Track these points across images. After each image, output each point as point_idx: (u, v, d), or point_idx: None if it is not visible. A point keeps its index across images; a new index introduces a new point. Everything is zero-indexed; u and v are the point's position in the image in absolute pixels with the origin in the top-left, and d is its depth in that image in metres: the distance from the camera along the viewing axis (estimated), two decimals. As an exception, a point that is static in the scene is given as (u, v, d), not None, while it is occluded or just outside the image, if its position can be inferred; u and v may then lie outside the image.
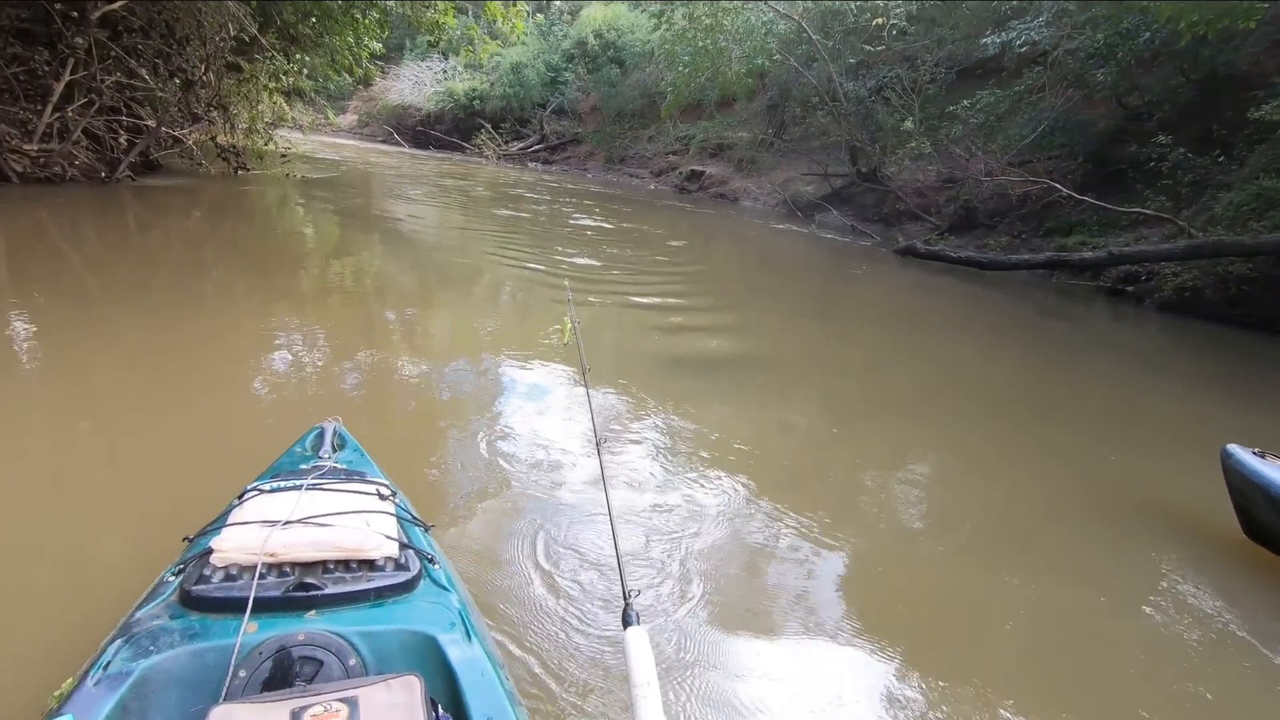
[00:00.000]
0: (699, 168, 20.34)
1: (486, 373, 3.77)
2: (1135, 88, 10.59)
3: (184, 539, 1.41)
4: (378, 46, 14.11)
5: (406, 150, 26.34)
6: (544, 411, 3.32)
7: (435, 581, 1.36)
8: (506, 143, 26.63)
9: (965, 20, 12.66)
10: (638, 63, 24.11)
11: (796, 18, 13.98)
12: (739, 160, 19.58)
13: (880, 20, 12.61)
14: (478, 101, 27.60)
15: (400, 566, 1.33)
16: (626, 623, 1.16)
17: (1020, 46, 10.58)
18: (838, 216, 14.87)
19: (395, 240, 7.71)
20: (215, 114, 9.44)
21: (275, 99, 11.82)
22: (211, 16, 7.75)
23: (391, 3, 12.60)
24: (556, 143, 26.47)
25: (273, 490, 1.45)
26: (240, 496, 1.47)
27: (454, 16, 13.48)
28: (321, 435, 1.87)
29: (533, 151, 26.19)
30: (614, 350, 4.46)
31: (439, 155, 25.54)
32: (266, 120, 11.56)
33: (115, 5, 6.96)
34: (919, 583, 2.42)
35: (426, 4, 12.67)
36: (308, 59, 12.29)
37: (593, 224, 10.99)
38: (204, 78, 8.28)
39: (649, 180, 21.93)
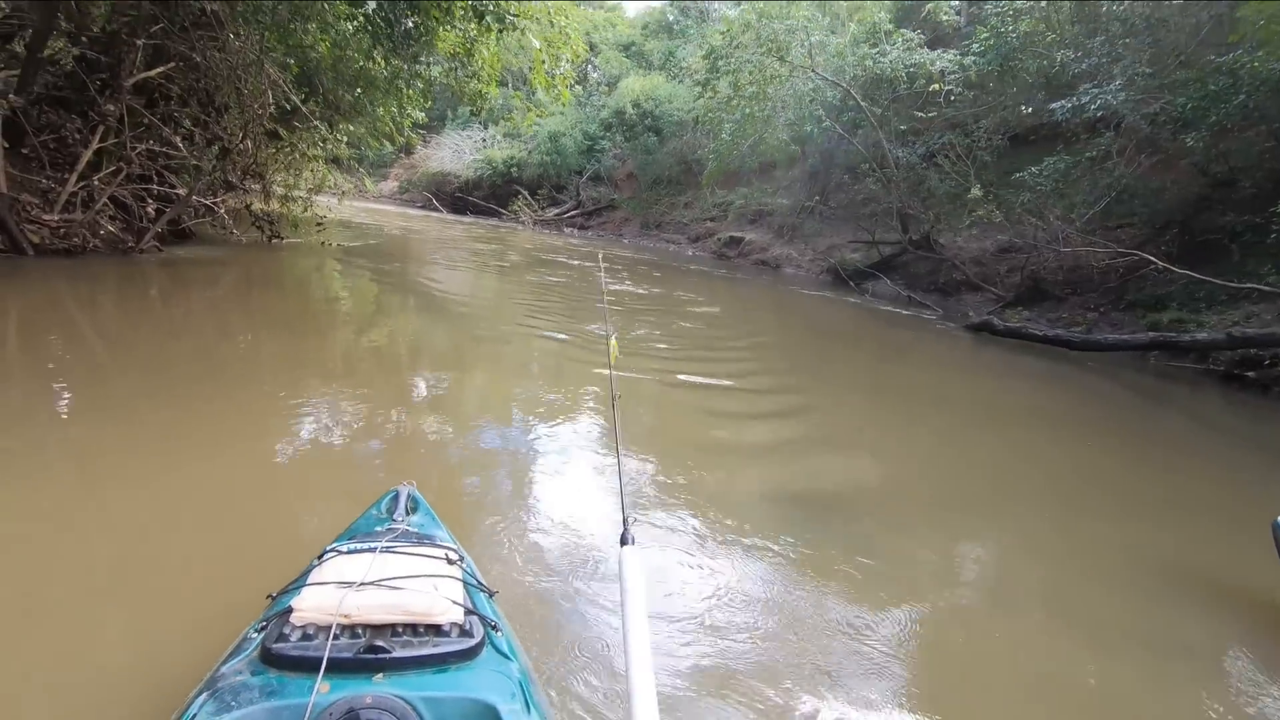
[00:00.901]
0: (738, 234, 19.89)
1: (539, 438, 3.79)
2: (1222, 153, 9.78)
3: (268, 596, 1.49)
4: (420, 115, 14.03)
5: (445, 216, 26.50)
6: (578, 482, 3.35)
7: (498, 649, 1.41)
8: (543, 208, 26.65)
9: (1022, 85, 12.05)
10: (675, 131, 24.10)
11: (844, 85, 13.53)
12: (779, 226, 19.06)
13: (937, 86, 12.03)
14: (515, 169, 27.84)
15: (465, 633, 1.39)
16: (624, 542, 1.36)
17: (1095, 110, 9.86)
18: (890, 285, 14.07)
19: (432, 308, 7.37)
20: (251, 181, 9.06)
21: (316, 166, 11.59)
22: (252, 84, 7.38)
23: (436, 73, 12.47)
24: (592, 208, 26.43)
25: (350, 551, 1.54)
26: (320, 557, 1.57)
27: (496, 87, 13.31)
28: (396, 498, 1.92)
29: (568, 217, 26.15)
30: (652, 427, 4.25)
31: (476, 221, 25.66)
32: (308, 187, 11.30)
33: (153, 73, 6.59)
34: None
35: (469, 76, 12.48)
36: (350, 128, 12.14)
37: (629, 290, 10.57)
38: (241, 145, 7.89)
39: (686, 246, 21.60)
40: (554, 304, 8.54)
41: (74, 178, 6.38)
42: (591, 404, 4.38)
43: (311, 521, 2.55)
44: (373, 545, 1.55)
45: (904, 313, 12.01)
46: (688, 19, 29.20)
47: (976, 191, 11.10)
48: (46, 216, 6.17)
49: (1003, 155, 13.10)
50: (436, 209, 28.78)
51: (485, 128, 30.10)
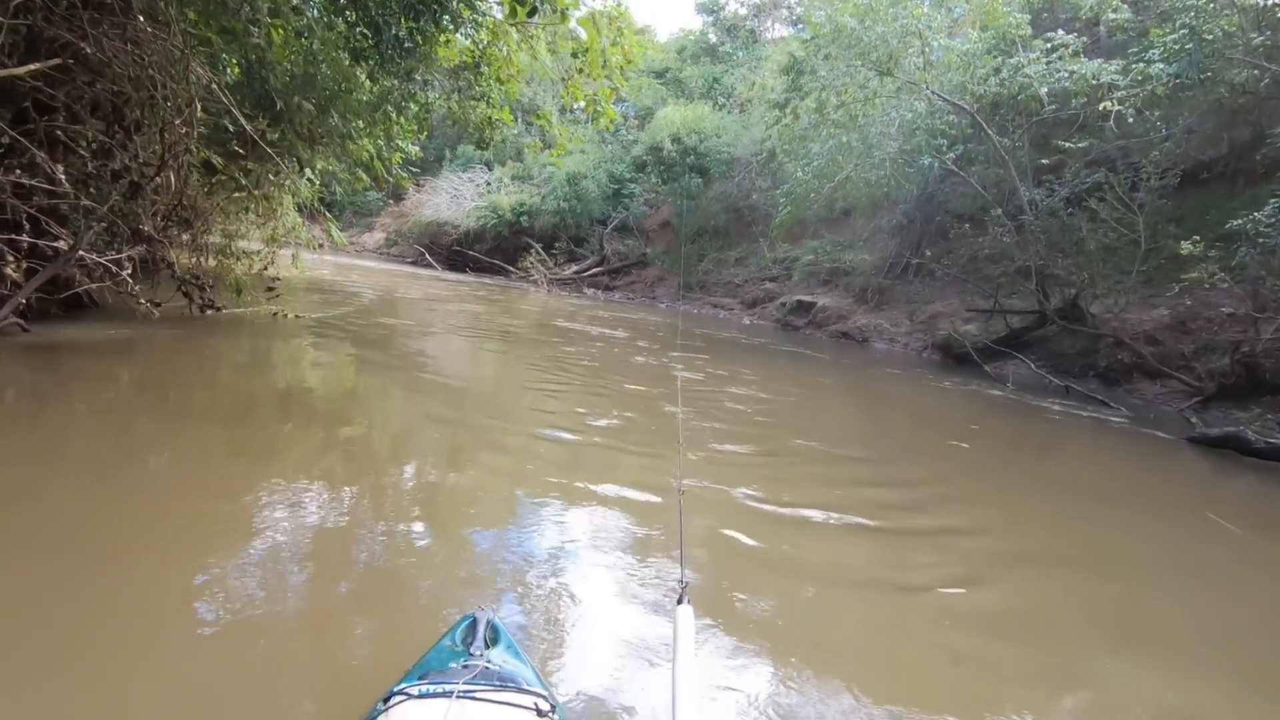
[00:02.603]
0: (807, 298, 18.83)
1: (596, 548, 3.68)
2: None
3: None
4: (414, 150, 12.96)
5: (442, 275, 25.72)
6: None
7: None
8: (559, 265, 26.01)
9: (1214, 105, 10.58)
10: (722, 171, 23.47)
11: (968, 107, 12.13)
12: (861, 289, 17.86)
13: (1107, 105, 10.55)
14: (525, 218, 27.30)
15: None
16: (679, 601, 1.62)
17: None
18: (1027, 368, 12.36)
19: (435, 399, 6.46)
20: (175, 230, 7.63)
21: (276, 210, 10.37)
22: (175, 91, 5.98)
23: (434, 96, 11.38)
24: (619, 265, 25.89)
25: (420, 695, 1.59)
26: (386, 700, 1.62)
27: (510, 114, 12.16)
28: (474, 627, 1.96)
29: (590, 275, 25.49)
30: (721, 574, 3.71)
31: (479, 281, 25.05)
32: (263, 237, 10.05)
33: (21, 71, 5.19)
34: None
35: (477, 98, 11.30)
36: (324, 164, 11.04)
37: (669, 369, 9.92)
38: (158, 179, 6.46)
39: (740, 312, 20.68)
40: (580, 387, 8.14)
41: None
42: (647, 505, 4.30)
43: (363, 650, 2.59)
44: (449, 688, 1.61)
45: (1056, 407, 10.31)
46: (734, 40, 28.74)
47: (1191, 246, 9.45)
48: None
49: (1165, 197, 11.67)
50: (431, 265, 28.16)
51: (490, 169, 29.85)
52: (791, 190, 15.67)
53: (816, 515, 4.52)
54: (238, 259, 9.32)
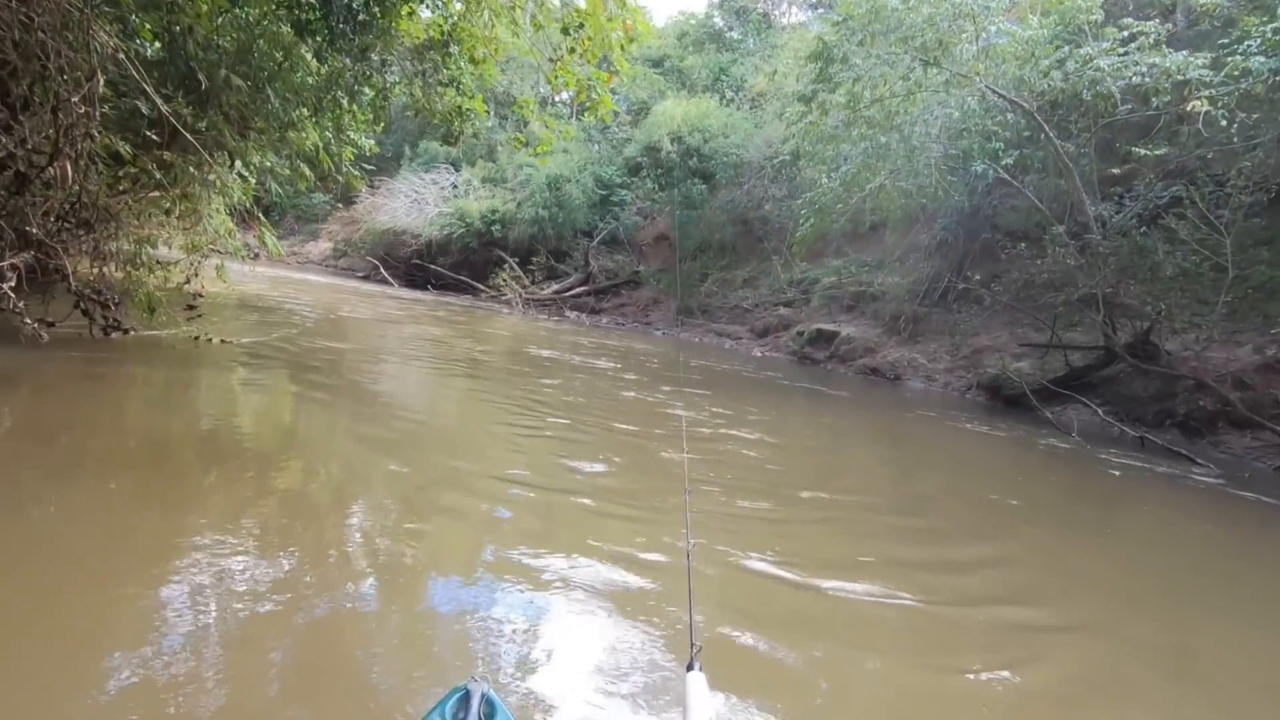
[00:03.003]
0: (829, 326, 18.91)
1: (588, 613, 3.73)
2: None
3: None
4: (368, 144, 12.85)
5: (399, 292, 25.61)
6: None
7: None
8: (536, 282, 26.12)
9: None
10: (731, 177, 23.53)
11: (1027, 105, 12.03)
12: (892, 318, 17.81)
13: (1197, 104, 10.43)
14: (498, 227, 27.38)
15: None
16: (690, 668, 1.74)
17: None
18: (1092, 414, 12.16)
19: (403, 450, 6.19)
20: (74, 233, 7.33)
21: (204, 212, 10.12)
22: (72, 59, 5.72)
23: (393, 80, 11.26)
24: (606, 284, 26.08)
25: None
26: None
27: (484, 103, 12.03)
28: (466, 700, 2.01)
29: (573, 295, 25.58)
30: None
31: (442, 300, 25.02)
32: (184, 244, 9.78)
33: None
34: None
35: (444, 83, 11.15)
36: (262, 158, 10.86)
37: (668, 407, 9.88)
38: (52, 171, 6.18)
39: (750, 342, 20.75)
40: (561, 427, 8.10)
41: None
42: (643, 565, 4.33)
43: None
44: None
45: (1125, 460, 10.04)
46: (744, 25, 28.95)
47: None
48: None
49: (1255, 215, 11.57)
50: (386, 281, 28.09)
51: (457, 169, 29.91)
52: (815, 200, 15.57)
53: (841, 582, 4.50)
54: (152, 270, 8.95)
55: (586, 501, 5.49)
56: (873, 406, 13.44)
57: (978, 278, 15.54)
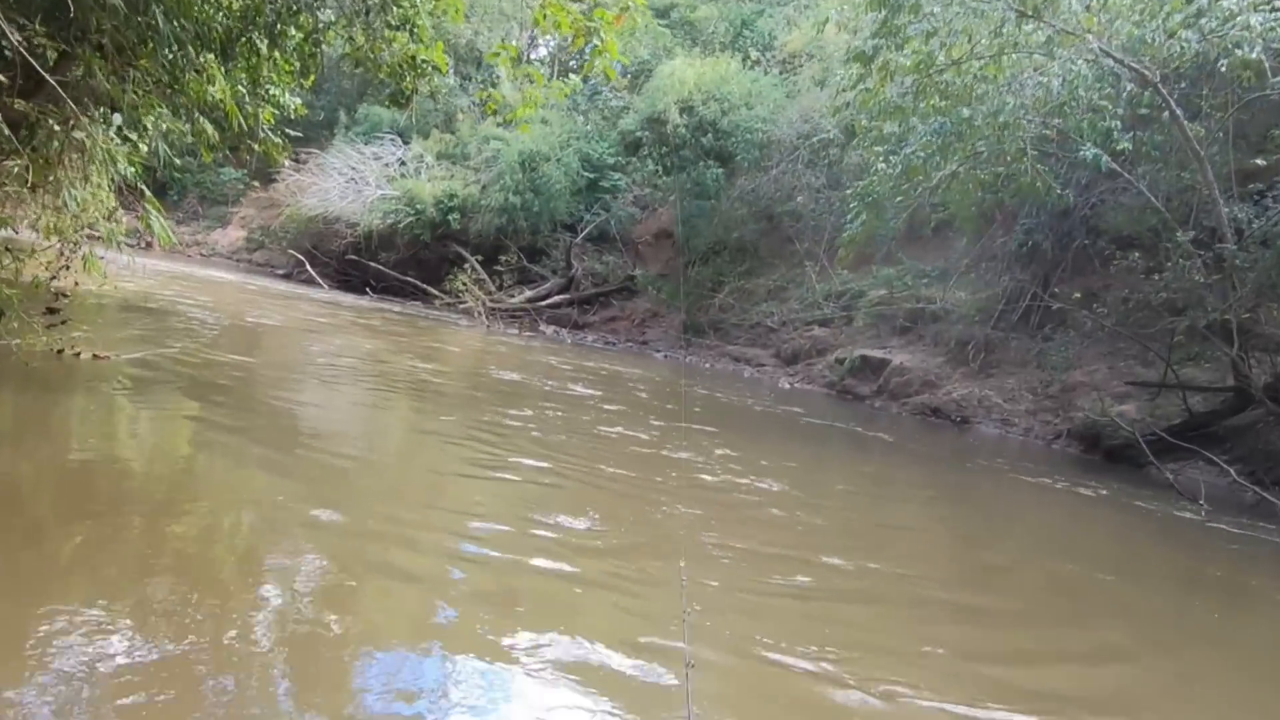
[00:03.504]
0: (877, 353, 19.01)
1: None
2: None
3: None
4: (293, 104, 12.79)
5: (328, 296, 25.59)
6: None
7: None
8: (505, 289, 26.13)
9: None
10: (756, 159, 23.61)
11: (1150, 74, 12.05)
12: (958, 344, 17.83)
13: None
14: (456, 216, 27.44)
15: None
16: None
17: None
18: (1224, 473, 12.13)
19: (312, 494, 6.20)
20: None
21: (77, 186, 10.11)
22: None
23: (327, 19, 11.25)
24: (593, 292, 26.28)
25: None
26: None
27: (443, 56, 12.06)
28: None
29: (552, 305, 25.74)
30: None
31: (384, 307, 24.96)
32: (55, 230, 9.76)
33: None
34: None
35: (392, 29, 11.18)
36: (150, 112, 10.76)
37: (667, 454, 9.88)
38: None
39: (775, 370, 20.89)
40: (530, 472, 8.13)
41: None
42: (627, 679, 4.14)
43: None
44: None
45: (1267, 538, 10.03)
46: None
47: None
48: None
49: None
50: (313, 281, 28.00)
51: (406, 141, 29.93)
52: (868, 190, 15.52)
53: (898, 684, 4.42)
54: (-1, 262, 8.99)
55: (561, 567, 5.46)
56: (932, 457, 13.48)
57: (1078, 296, 15.54)
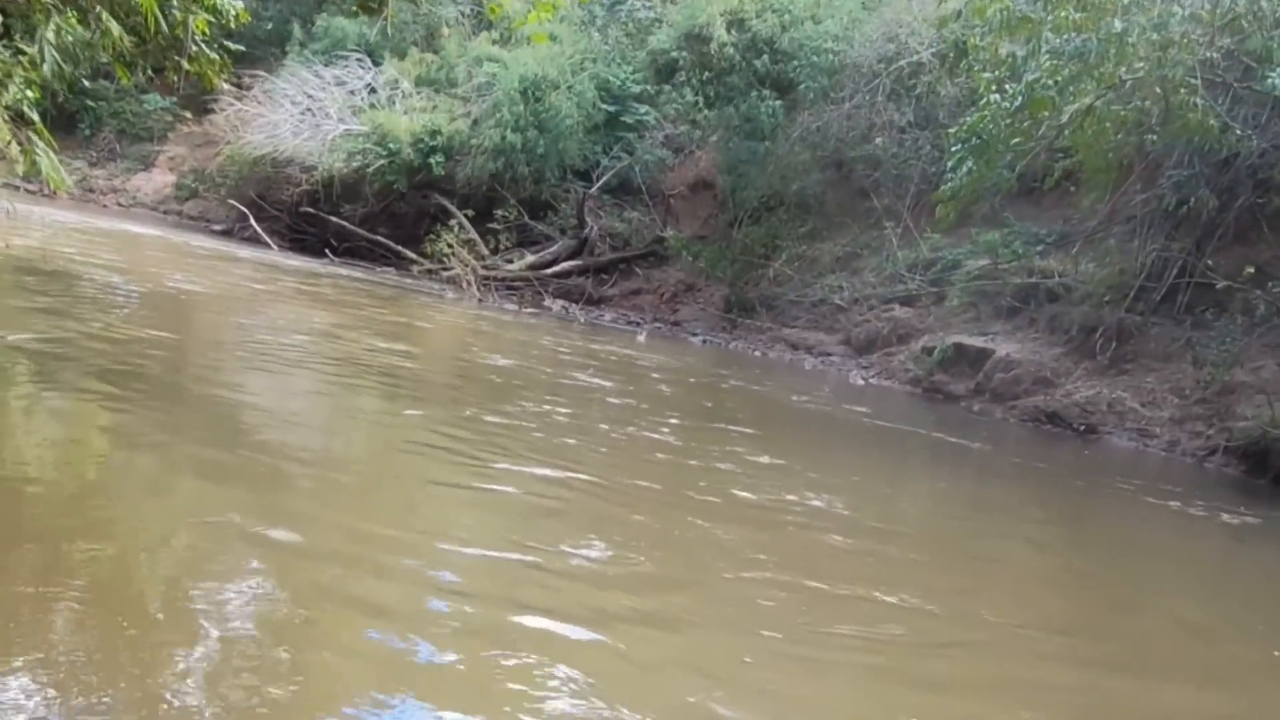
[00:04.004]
0: (975, 340, 18.80)
1: None
2: None
3: None
4: (233, 9, 12.80)
5: (276, 258, 25.76)
6: None
7: None
8: (500, 252, 26.13)
9: None
10: (822, 90, 23.52)
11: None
12: (1081, 330, 17.74)
13: None
14: (440, 159, 27.33)
15: None
16: None
17: None
18: None
19: (255, 507, 6.40)
20: None
21: None
22: None
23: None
24: (613, 257, 26.31)
25: None
26: None
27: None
28: None
29: (560, 274, 25.72)
30: None
31: (349, 275, 25.03)
32: None
33: None
34: None
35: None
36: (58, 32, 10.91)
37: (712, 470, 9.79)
38: None
39: (844, 359, 21.02)
40: (527, 484, 8.23)
41: None
42: None
43: None
44: None
45: None
46: None
47: None
48: None
49: None
50: (259, 239, 28.13)
51: (376, 62, 30.03)
52: (978, 129, 15.66)
53: None
54: None
55: (569, 603, 5.46)
56: (1045, 475, 13.39)
57: (1251, 270, 15.41)
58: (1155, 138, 15.63)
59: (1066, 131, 15.38)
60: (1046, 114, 14.61)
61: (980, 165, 15.80)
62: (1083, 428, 16.34)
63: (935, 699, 5.07)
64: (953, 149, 16.58)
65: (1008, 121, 15.00)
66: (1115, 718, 5.31)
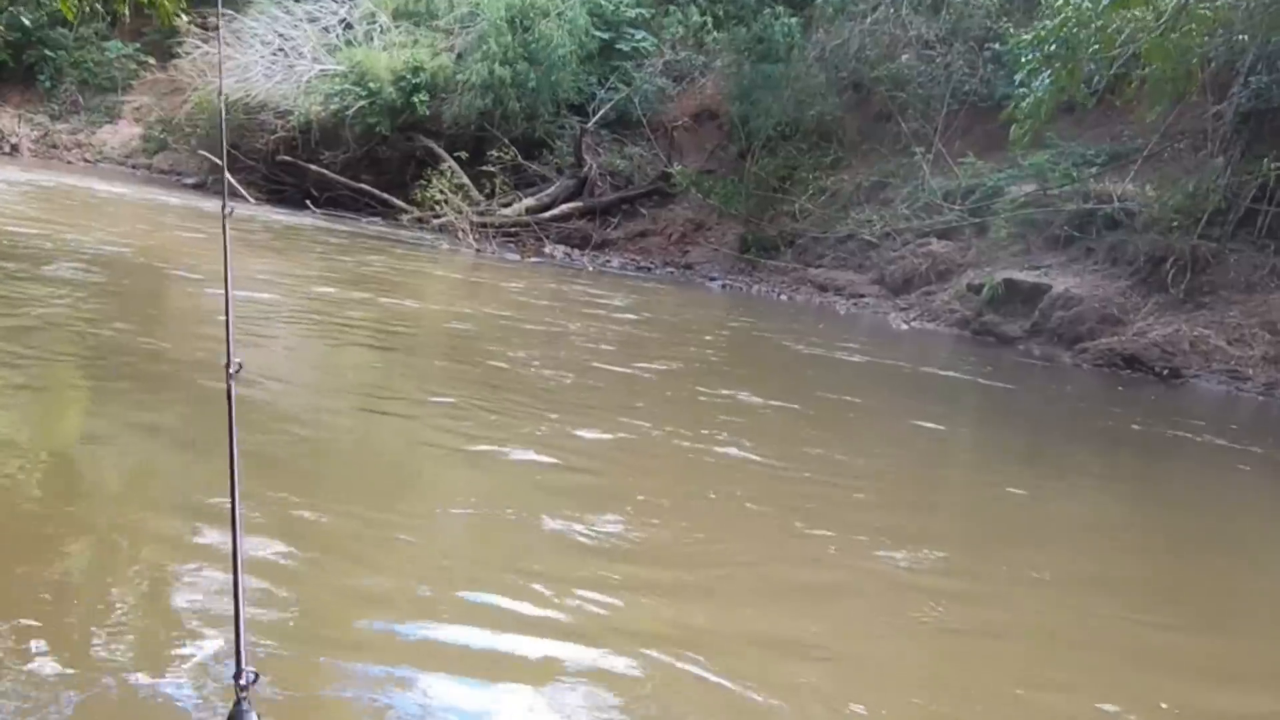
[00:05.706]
0: (1028, 276, 18.28)
1: None
2: None
3: None
4: None
5: (253, 211, 24.78)
6: None
7: None
8: (494, 195, 25.43)
9: None
10: (844, 2, 23.20)
11: None
12: (1149, 261, 16.98)
13: None
14: (424, 98, 26.89)
15: None
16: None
17: None
18: None
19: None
20: None
21: None
22: None
23: None
24: (615, 197, 25.79)
25: None
26: None
27: None
28: None
29: (559, 217, 25.12)
30: None
31: (332, 227, 24.52)
32: None
33: None
34: None
35: None
36: None
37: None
38: None
39: (879, 300, 20.61)
40: (535, 445, 8.24)
41: None
42: None
43: None
44: None
45: None
46: None
47: None
48: None
49: None
50: (235, 191, 26.96)
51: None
52: (1060, 33, 14.76)
53: None
54: None
55: (594, 588, 5.24)
56: (1113, 433, 12.82)
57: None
58: (1246, 38, 14.67)
59: (1154, 34, 14.64)
60: (1141, 11, 13.66)
61: (1063, 76, 15.15)
62: (1165, 370, 15.66)
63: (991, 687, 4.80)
64: (1024, 60, 15.97)
65: (1099, 22, 14.19)
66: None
